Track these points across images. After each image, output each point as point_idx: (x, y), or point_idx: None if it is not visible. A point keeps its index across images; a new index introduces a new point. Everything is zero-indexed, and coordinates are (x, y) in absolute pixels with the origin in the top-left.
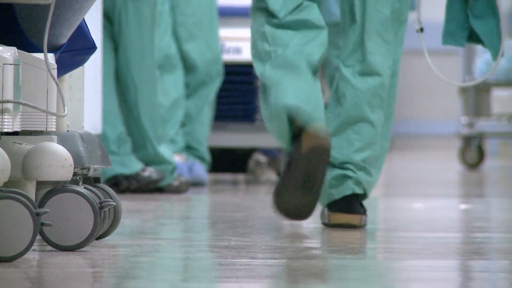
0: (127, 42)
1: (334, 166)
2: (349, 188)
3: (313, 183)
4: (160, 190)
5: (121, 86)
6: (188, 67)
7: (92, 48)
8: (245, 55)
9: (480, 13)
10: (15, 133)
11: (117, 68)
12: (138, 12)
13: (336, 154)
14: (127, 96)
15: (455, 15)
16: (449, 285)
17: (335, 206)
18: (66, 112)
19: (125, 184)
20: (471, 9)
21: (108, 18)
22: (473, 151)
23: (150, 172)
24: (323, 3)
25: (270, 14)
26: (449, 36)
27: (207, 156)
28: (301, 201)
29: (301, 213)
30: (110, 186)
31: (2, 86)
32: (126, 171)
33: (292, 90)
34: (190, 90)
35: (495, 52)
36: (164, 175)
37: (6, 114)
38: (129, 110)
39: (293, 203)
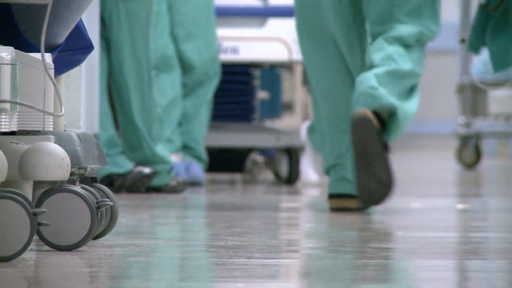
0: (118, 44)
1: None
2: None
3: (368, 156)
4: (157, 190)
5: (115, 87)
6: (186, 66)
7: (89, 47)
8: (242, 55)
9: (496, 31)
10: (12, 133)
11: (110, 69)
12: (129, 13)
13: None
14: (120, 97)
15: (475, 27)
16: (447, 285)
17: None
18: (63, 112)
19: (119, 181)
20: (490, 26)
21: (101, 19)
22: (470, 151)
23: (142, 167)
24: None
25: None
26: (469, 44)
27: (204, 155)
28: (368, 180)
29: (374, 195)
30: (106, 185)
31: None
32: (119, 170)
33: None
34: (188, 90)
35: (497, 67)
36: (156, 171)
37: (3, 113)
38: (123, 111)
39: (363, 184)
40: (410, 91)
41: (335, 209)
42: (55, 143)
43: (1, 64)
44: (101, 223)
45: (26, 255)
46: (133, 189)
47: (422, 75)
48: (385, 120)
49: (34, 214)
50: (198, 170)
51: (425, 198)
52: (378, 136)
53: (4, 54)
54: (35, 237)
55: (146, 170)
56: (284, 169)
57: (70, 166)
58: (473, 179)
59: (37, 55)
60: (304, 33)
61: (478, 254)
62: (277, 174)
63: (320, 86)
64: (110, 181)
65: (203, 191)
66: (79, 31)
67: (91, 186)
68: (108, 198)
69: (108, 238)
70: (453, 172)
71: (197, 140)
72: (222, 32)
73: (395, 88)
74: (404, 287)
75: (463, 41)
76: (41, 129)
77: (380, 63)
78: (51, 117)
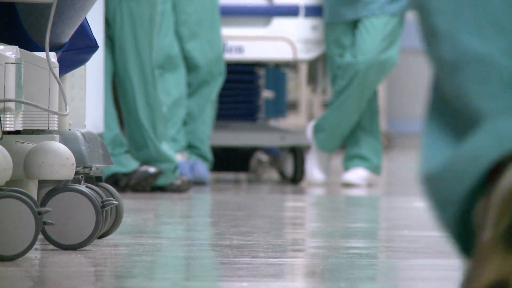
0: (122, 43)
1: None
2: None
3: None
4: (161, 189)
5: (119, 87)
6: (190, 66)
7: (94, 47)
8: (247, 54)
9: None
10: (17, 132)
11: (115, 68)
12: (132, 13)
13: None
14: (125, 97)
15: None
16: (451, 284)
17: None
18: (68, 111)
19: (124, 181)
20: None
21: (105, 19)
22: None
23: (147, 166)
24: (330, 3)
25: None
26: None
27: (209, 155)
28: None
29: None
30: (111, 185)
31: (4, 85)
32: (124, 169)
33: None
34: (192, 89)
35: None
36: (162, 170)
37: (8, 113)
38: (129, 111)
39: None
40: None
41: None
42: (60, 142)
43: (6, 63)
44: (106, 222)
45: (31, 254)
46: (138, 188)
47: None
48: None
49: (39, 213)
50: (203, 169)
51: None
52: None
53: (9, 53)
54: (40, 236)
55: (152, 169)
56: (289, 168)
57: (75, 165)
58: None
59: (42, 54)
60: None
61: None
62: (282, 174)
63: None
64: (115, 180)
65: (208, 190)
66: (83, 31)
67: (96, 185)
68: (113, 198)
69: (113, 237)
70: None
71: (202, 139)
72: (227, 31)
73: None
74: (409, 286)
75: None
76: (46, 128)
77: None
78: (56, 116)
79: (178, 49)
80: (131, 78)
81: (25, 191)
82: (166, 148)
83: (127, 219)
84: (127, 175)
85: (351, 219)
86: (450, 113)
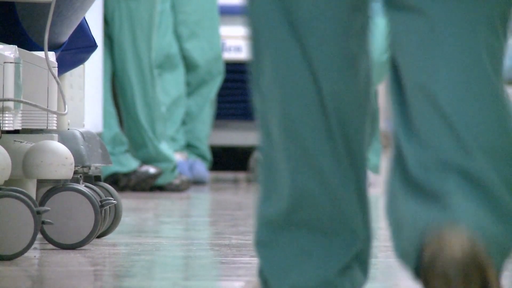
0: (121, 43)
1: None
2: None
3: None
4: (160, 188)
5: (118, 86)
6: (189, 65)
7: (92, 46)
8: (246, 53)
9: None
10: (16, 132)
11: (114, 68)
12: (130, 13)
13: None
14: (124, 96)
15: None
16: None
17: None
18: (66, 111)
19: (124, 181)
20: None
21: (104, 18)
22: None
23: (147, 167)
24: None
25: None
26: None
27: (208, 154)
28: None
29: None
30: (110, 184)
31: (3, 84)
32: (123, 169)
33: None
34: (191, 89)
35: None
36: (162, 170)
37: (7, 112)
38: (127, 110)
39: None
40: None
41: None
42: (58, 141)
43: (5, 62)
44: (105, 221)
45: (30, 253)
46: (137, 188)
47: None
48: None
49: (38, 212)
50: (202, 168)
51: None
52: None
53: (7, 53)
54: (39, 235)
55: (152, 170)
56: None
57: (73, 164)
58: None
59: (40, 54)
60: None
61: None
62: None
63: None
64: (115, 180)
65: (207, 190)
66: (82, 30)
67: (94, 184)
68: (112, 197)
69: (112, 236)
70: None
71: (201, 138)
72: (226, 30)
73: None
74: (408, 285)
75: None
76: (45, 127)
77: None
78: (55, 115)
79: (177, 48)
80: (130, 78)
81: (24, 190)
82: (165, 147)
83: (126, 219)
84: (127, 175)
85: None
86: None
